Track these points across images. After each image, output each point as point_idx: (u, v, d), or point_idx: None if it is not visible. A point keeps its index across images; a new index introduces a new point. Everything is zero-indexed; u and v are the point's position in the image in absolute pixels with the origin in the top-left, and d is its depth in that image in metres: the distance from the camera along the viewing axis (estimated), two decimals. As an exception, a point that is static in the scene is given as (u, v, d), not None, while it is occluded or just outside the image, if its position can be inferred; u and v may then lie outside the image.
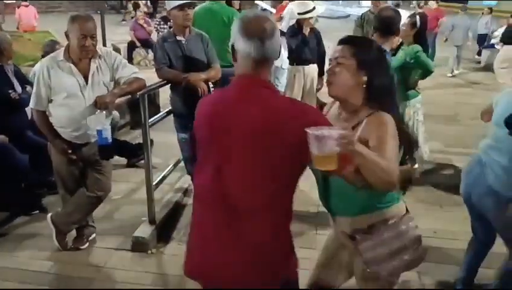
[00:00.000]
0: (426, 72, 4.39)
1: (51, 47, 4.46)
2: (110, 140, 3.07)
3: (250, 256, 1.62)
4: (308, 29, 5.40)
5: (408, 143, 1.99)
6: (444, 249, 3.60)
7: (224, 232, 1.64)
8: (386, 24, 3.74)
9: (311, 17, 5.35)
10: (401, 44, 4.27)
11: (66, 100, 3.07)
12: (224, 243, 1.63)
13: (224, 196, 1.61)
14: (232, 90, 1.69)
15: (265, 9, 8.16)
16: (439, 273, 3.30)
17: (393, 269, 1.92)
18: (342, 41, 1.90)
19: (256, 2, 9.74)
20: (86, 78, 3.09)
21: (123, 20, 18.35)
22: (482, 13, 13.21)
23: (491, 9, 13.20)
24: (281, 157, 1.57)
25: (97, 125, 3.05)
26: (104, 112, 3.06)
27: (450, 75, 10.90)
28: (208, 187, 1.67)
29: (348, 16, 22.16)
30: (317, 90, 5.69)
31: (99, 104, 3.03)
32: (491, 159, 2.63)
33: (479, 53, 12.57)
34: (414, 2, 11.82)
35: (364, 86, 1.82)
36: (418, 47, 4.23)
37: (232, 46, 1.66)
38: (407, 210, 2.03)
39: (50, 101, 3.10)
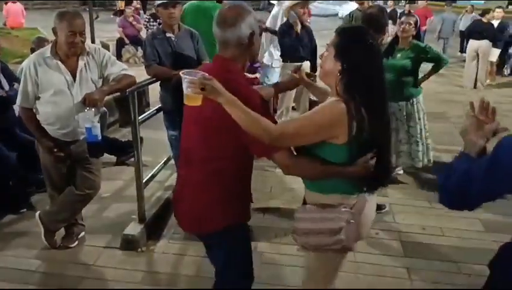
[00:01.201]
0: (439, 64, 4.47)
1: (38, 44, 4.42)
2: (99, 137, 3.05)
3: (190, 196, 2.08)
4: (300, 27, 5.41)
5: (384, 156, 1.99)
6: (432, 246, 3.64)
7: (182, 174, 2.19)
8: (370, 21, 3.78)
9: (305, 5, 5.36)
10: (394, 43, 4.29)
11: (54, 97, 3.04)
12: (180, 182, 2.19)
13: (186, 149, 2.12)
14: (206, 66, 2.21)
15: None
16: (428, 269, 3.32)
17: (313, 245, 2.03)
18: (336, 31, 2.04)
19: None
20: (73, 75, 3.06)
21: (114, 14, 18.09)
22: (466, 11, 13.41)
23: (473, 7, 13.44)
24: (214, 128, 1.94)
25: (86, 122, 3.02)
26: (93, 109, 3.04)
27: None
28: (182, 145, 2.17)
29: (337, 14, 22.24)
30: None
31: (87, 102, 3.00)
32: None
33: (463, 50, 12.78)
34: (403, 1, 11.98)
35: (338, 74, 1.90)
36: (421, 43, 4.32)
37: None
38: (357, 205, 2.04)
39: (37, 98, 3.07)
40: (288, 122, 1.93)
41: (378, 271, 3.27)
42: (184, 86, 1.74)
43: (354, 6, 8.75)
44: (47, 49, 3.05)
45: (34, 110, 3.12)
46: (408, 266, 3.36)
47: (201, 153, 2.02)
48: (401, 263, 3.40)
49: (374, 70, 1.93)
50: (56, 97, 3.04)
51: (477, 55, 9.46)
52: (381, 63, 2.00)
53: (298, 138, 1.88)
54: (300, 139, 1.90)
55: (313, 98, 6.88)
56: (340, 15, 20.25)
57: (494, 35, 9.32)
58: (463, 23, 12.86)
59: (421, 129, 4.44)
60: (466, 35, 10.25)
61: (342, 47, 1.92)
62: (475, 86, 9.59)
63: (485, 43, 9.30)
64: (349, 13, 6.84)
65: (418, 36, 4.44)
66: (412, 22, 4.21)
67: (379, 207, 4.16)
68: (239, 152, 1.98)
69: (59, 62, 3.02)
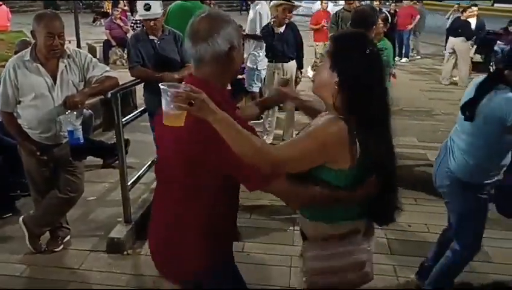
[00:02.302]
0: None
1: (22, 47, 4.37)
2: (82, 140, 3.03)
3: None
4: (284, 26, 5.41)
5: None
6: (418, 243, 3.66)
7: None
8: (359, 18, 3.81)
9: (291, 7, 5.36)
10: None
11: (34, 101, 3.01)
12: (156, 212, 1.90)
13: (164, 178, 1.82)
14: None
15: None
16: (414, 266, 3.33)
17: (331, 285, 1.80)
18: (331, 38, 1.88)
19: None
20: (54, 78, 3.03)
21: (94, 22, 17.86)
22: (454, 10, 13.52)
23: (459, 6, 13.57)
24: (191, 157, 1.60)
25: (68, 125, 3.00)
26: (75, 112, 3.01)
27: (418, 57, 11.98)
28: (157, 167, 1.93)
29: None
30: (297, 83, 5.70)
31: (68, 104, 2.98)
32: (453, 143, 2.72)
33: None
34: (389, 1, 12.09)
35: (336, 87, 1.66)
36: (386, 42, 4.34)
37: None
38: (368, 229, 1.86)
39: (18, 102, 3.04)
40: (287, 144, 1.67)
41: (365, 269, 3.28)
42: (164, 101, 1.42)
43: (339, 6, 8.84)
44: (27, 52, 3.02)
45: (16, 114, 3.09)
46: (394, 264, 3.38)
47: (180, 185, 1.70)
48: (387, 260, 3.42)
49: (376, 81, 1.70)
50: (37, 101, 3.01)
51: (454, 52, 9.57)
52: (383, 73, 1.77)
53: (299, 162, 1.62)
54: (301, 163, 1.63)
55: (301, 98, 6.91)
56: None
57: (470, 33, 9.41)
58: (450, 22, 12.99)
59: None
60: (447, 33, 10.37)
61: (339, 56, 1.69)
62: (452, 83, 9.67)
63: (460, 40, 9.40)
64: (336, 13, 6.85)
65: (391, 33, 4.45)
66: (380, 20, 4.24)
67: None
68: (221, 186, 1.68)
69: (39, 65, 2.99)
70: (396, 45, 10.89)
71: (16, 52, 4.20)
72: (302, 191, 1.67)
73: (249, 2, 8.08)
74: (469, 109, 2.54)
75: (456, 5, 11.52)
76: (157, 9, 3.91)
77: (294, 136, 2.18)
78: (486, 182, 2.64)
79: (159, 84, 1.43)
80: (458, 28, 9.44)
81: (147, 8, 3.86)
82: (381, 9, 4.73)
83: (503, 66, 2.55)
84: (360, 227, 1.80)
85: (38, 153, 3.10)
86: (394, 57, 7.97)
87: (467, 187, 2.65)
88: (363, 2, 8.93)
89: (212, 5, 6.05)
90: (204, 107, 1.43)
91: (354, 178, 1.67)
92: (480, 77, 2.66)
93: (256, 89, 6.21)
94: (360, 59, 1.66)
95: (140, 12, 3.97)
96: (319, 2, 11.33)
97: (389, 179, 1.74)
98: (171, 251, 1.77)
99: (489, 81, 2.54)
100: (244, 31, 6.43)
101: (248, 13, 6.72)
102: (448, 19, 12.92)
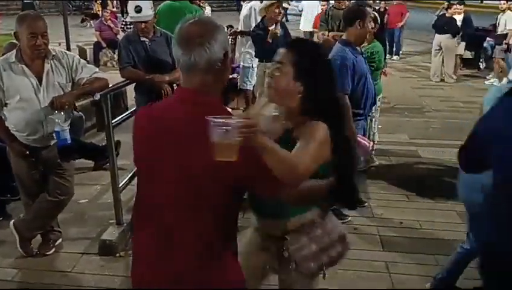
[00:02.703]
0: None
1: (10, 49, 4.33)
2: (69, 141, 3.01)
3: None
4: (274, 25, 5.41)
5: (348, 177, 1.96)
6: (410, 239, 3.67)
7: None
8: (349, 15, 3.82)
9: (279, 12, 5.37)
10: None
11: (20, 103, 2.99)
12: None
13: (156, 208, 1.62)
14: (165, 104, 1.70)
15: None
16: (406, 262, 3.36)
17: (320, 266, 1.93)
18: (287, 45, 1.88)
19: None
20: (39, 79, 3.01)
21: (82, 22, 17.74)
22: (443, 7, 13.58)
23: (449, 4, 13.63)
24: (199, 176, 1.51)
25: (55, 126, 2.98)
26: (62, 113, 3.00)
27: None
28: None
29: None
30: None
31: (56, 105, 2.96)
32: None
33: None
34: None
35: (299, 95, 1.79)
36: (377, 45, 4.37)
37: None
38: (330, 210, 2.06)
39: (5, 104, 3.02)
40: (301, 154, 1.68)
41: (357, 266, 3.29)
42: (218, 134, 1.34)
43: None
44: (12, 54, 3.01)
45: (3, 117, 3.07)
46: (387, 260, 3.39)
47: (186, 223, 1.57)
48: (379, 257, 3.43)
49: (335, 87, 1.89)
50: (23, 103, 2.99)
51: (442, 49, 9.62)
52: (336, 77, 1.97)
53: (314, 165, 1.70)
54: (315, 166, 1.71)
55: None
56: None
57: (456, 29, 9.46)
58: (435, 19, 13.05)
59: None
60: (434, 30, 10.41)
61: (305, 67, 1.79)
62: (442, 80, 9.73)
63: (446, 37, 9.45)
64: (325, 11, 6.85)
65: (382, 33, 4.47)
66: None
67: (360, 202, 4.21)
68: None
69: (24, 66, 2.97)
70: (387, 43, 10.91)
71: (3, 55, 4.17)
72: (312, 187, 1.76)
73: (242, 3, 8.09)
74: None
75: (447, 3, 11.59)
76: (148, 11, 3.91)
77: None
78: None
79: (207, 117, 1.35)
80: (444, 25, 9.49)
81: (138, 10, 3.85)
82: (371, 7, 4.74)
83: None
84: (327, 207, 2.00)
85: (28, 153, 3.08)
86: (385, 55, 8.02)
87: None
88: (352, 1, 8.96)
89: (201, 5, 6.02)
90: (262, 138, 1.43)
91: (330, 168, 1.84)
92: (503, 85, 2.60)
93: (250, 87, 6.22)
94: (324, 68, 1.83)
95: (131, 15, 3.95)
96: (307, 2, 11.36)
97: (350, 167, 1.95)
98: (204, 278, 1.59)
99: None
100: (237, 29, 6.44)
101: (239, 13, 6.73)
102: (436, 16, 13.00)
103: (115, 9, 14.38)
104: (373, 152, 4.65)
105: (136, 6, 3.84)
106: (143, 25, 3.90)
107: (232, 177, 1.48)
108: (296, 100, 1.80)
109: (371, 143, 3.74)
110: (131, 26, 9.86)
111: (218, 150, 1.36)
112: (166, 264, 1.59)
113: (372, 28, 4.27)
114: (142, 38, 3.94)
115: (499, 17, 9.84)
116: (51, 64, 3.04)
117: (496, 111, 1.88)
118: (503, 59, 8.00)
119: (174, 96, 1.60)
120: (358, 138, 3.49)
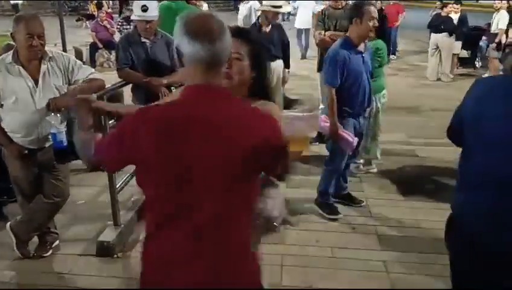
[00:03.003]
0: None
1: (7, 50, 4.32)
2: (65, 143, 2.99)
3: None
4: (270, 26, 5.41)
5: None
6: (408, 238, 3.68)
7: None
8: (348, 14, 3.88)
9: (277, 13, 5.39)
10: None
11: (16, 104, 2.97)
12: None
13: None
14: (186, 102, 1.51)
15: None
16: (404, 261, 3.36)
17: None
18: (236, 34, 1.81)
19: None
20: (36, 81, 3.00)
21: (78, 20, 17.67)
22: (436, 7, 13.64)
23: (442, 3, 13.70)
24: (241, 167, 1.48)
25: (51, 128, 2.97)
26: (58, 114, 2.99)
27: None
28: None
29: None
30: (284, 82, 5.72)
31: (52, 107, 2.95)
32: None
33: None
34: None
35: (251, 80, 1.96)
36: (380, 43, 4.37)
37: (177, 49, 1.49)
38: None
39: (1, 106, 3.00)
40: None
41: (356, 265, 3.30)
42: (296, 128, 1.57)
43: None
44: (8, 55, 2.99)
45: None
46: (385, 259, 3.39)
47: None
48: (378, 256, 3.43)
49: (265, 69, 2.10)
50: (19, 104, 2.97)
51: (438, 48, 9.63)
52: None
53: None
54: None
55: (289, 96, 6.94)
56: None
57: (453, 27, 9.48)
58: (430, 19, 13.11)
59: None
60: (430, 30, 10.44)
61: (257, 55, 1.98)
62: (439, 79, 9.74)
63: (443, 36, 9.47)
64: (322, 10, 6.85)
65: (383, 31, 4.48)
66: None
67: (357, 201, 4.21)
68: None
69: (20, 67, 2.96)
70: (390, 42, 10.96)
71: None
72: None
73: (238, 4, 8.10)
74: None
75: (439, 2, 11.61)
76: (154, 11, 3.90)
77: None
78: None
79: (282, 114, 1.54)
80: (440, 24, 9.50)
81: (144, 9, 3.82)
82: (382, 8, 4.77)
83: None
84: None
85: (26, 152, 3.07)
86: (389, 55, 8.05)
87: None
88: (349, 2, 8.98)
89: (197, 5, 6.01)
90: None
91: None
92: None
93: None
94: (265, 57, 2.14)
95: (137, 13, 3.90)
96: (303, 2, 11.36)
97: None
98: (242, 279, 1.56)
99: None
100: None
101: (237, 13, 6.73)
102: (431, 16, 13.04)
103: (110, 10, 14.32)
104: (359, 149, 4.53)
105: (143, 5, 3.82)
106: (147, 25, 3.87)
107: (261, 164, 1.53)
108: (247, 84, 1.97)
109: (356, 139, 3.73)
110: (128, 27, 9.95)
111: (295, 142, 1.57)
112: (202, 265, 1.50)
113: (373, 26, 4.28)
114: (143, 40, 3.93)
115: (493, 16, 9.88)
116: (47, 66, 3.03)
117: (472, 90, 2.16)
118: (499, 59, 8.01)
119: (197, 95, 1.49)
120: (342, 133, 3.66)
